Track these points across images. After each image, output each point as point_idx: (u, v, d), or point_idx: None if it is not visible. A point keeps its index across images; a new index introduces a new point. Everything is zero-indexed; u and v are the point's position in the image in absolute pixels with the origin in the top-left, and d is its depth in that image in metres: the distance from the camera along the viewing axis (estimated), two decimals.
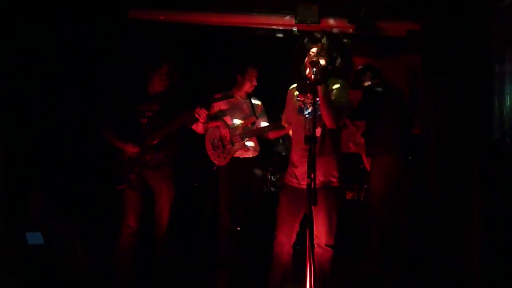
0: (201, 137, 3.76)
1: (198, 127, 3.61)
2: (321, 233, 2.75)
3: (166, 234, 3.43)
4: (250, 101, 3.90)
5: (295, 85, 2.90)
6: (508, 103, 3.96)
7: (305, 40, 2.83)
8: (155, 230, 3.43)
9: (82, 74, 3.60)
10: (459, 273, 3.59)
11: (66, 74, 3.56)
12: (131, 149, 3.25)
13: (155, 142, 3.28)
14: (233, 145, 3.74)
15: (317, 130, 2.64)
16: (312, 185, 2.32)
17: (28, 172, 3.47)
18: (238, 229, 3.97)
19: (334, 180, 2.82)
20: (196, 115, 3.30)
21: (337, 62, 2.75)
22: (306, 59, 2.71)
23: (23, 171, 3.45)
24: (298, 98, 2.80)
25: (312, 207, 2.34)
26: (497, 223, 3.35)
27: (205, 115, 3.34)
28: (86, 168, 3.62)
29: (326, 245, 2.79)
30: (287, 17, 4.04)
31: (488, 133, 3.58)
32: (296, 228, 2.89)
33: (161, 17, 4.01)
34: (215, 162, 3.78)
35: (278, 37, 4.46)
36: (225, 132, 3.71)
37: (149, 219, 3.39)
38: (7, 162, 3.36)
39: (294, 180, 2.84)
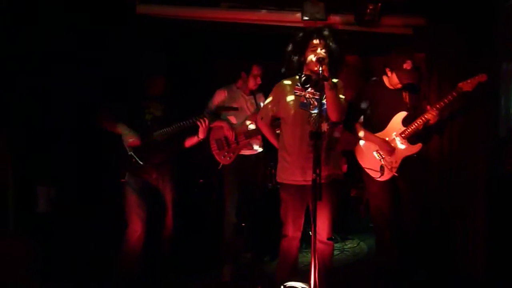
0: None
1: (187, 141, 3.51)
2: (322, 229, 2.77)
3: (172, 232, 3.46)
4: (255, 98, 3.92)
5: (287, 79, 2.91)
6: None
7: (303, 35, 2.82)
8: (162, 230, 3.46)
9: (88, 69, 3.62)
10: (463, 268, 3.61)
11: (72, 69, 3.58)
12: (133, 141, 3.25)
13: (159, 140, 3.31)
14: (238, 144, 3.76)
15: (322, 125, 2.66)
16: (318, 180, 2.35)
17: (36, 167, 3.50)
18: (243, 225, 3.99)
19: (339, 174, 2.85)
20: (199, 123, 3.32)
21: (334, 58, 2.76)
22: (312, 55, 2.71)
23: (31, 165, 3.49)
24: (297, 93, 2.81)
25: (313, 203, 2.37)
26: (502, 219, 3.35)
27: (205, 127, 3.33)
28: (93, 163, 3.65)
29: (328, 238, 2.83)
30: (295, 14, 4.05)
31: (494, 131, 3.57)
32: (302, 222, 2.92)
33: (168, 13, 4.02)
34: (220, 161, 3.79)
35: (284, 34, 4.46)
36: (229, 133, 3.73)
37: (152, 218, 3.42)
38: (15, 156, 3.38)
39: (297, 177, 2.82)
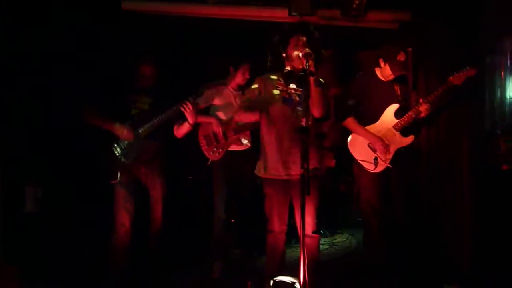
0: (194, 131, 3.75)
1: (179, 130, 3.42)
2: (307, 223, 2.76)
3: (161, 228, 3.46)
4: (243, 93, 3.91)
5: (272, 74, 2.89)
6: (499, 95, 3.99)
7: (285, 32, 2.81)
8: (150, 225, 3.45)
9: (74, 66, 3.59)
10: (449, 263, 3.64)
11: (57, 67, 3.54)
12: (126, 134, 3.21)
13: (145, 134, 3.28)
14: (226, 140, 3.76)
15: (303, 120, 2.65)
16: (306, 175, 2.36)
17: (23, 167, 3.47)
18: (232, 221, 4.00)
19: (320, 169, 2.87)
20: (182, 108, 3.20)
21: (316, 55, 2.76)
22: (297, 51, 2.70)
23: (18, 165, 3.45)
24: (279, 88, 2.81)
25: (301, 197, 2.38)
26: (488, 212, 3.39)
27: (192, 110, 3.22)
28: (80, 163, 3.62)
29: (313, 232, 2.85)
30: (281, 10, 4.05)
31: (480, 124, 3.61)
32: (287, 216, 2.94)
33: (154, 9, 4.00)
34: (209, 157, 3.79)
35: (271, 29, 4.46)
36: (218, 129, 3.73)
37: (141, 213, 3.41)
38: (2, 156, 3.35)
39: (280, 172, 2.82)
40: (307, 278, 2.37)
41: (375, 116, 3.47)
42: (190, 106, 3.21)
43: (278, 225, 2.91)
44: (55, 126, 3.59)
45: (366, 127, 3.45)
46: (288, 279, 2.70)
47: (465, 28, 3.59)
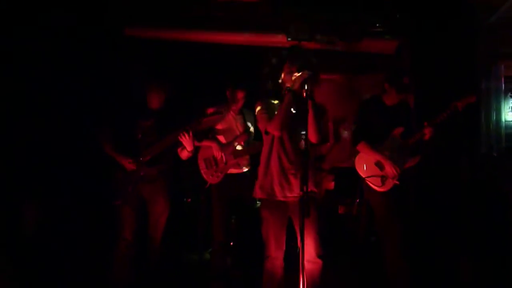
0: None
1: (182, 153, 3.35)
2: (310, 246, 2.73)
3: (160, 247, 3.45)
4: (243, 116, 3.97)
5: (269, 99, 2.87)
6: (494, 118, 4.05)
7: (279, 58, 2.84)
8: (149, 243, 3.45)
9: (78, 88, 3.65)
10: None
11: (62, 88, 3.61)
12: (130, 166, 3.27)
13: (147, 159, 3.31)
14: (226, 164, 3.79)
15: (301, 143, 2.68)
16: (305, 197, 2.37)
17: (21, 185, 3.49)
18: (232, 244, 3.99)
19: (315, 191, 2.87)
20: (180, 138, 3.18)
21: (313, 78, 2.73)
22: (298, 74, 2.72)
23: (16, 183, 3.47)
24: None
25: (300, 220, 2.38)
26: (484, 229, 3.40)
27: (189, 139, 3.20)
28: (80, 179, 3.66)
29: (318, 256, 2.77)
30: (280, 36, 4.13)
31: (475, 147, 3.65)
32: (284, 240, 2.91)
33: (156, 35, 4.09)
34: (208, 180, 3.79)
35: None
36: (218, 153, 3.76)
37: (143, 232, 3.42)
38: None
39: (276, 193, 2.80)
40: None
41: (381, 138, 3.50)
42: (187, 135, 3.20)
43: (274, 250, 2.84)
44: (59, 144, 3.64)
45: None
46: None
47: (460, 54, 3.66)
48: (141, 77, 3.50)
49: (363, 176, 3.44)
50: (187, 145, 3.23)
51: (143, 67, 3.93)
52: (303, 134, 2.64)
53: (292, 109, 2.77)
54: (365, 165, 3.46)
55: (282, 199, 2.78)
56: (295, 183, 2.73)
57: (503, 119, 4.22)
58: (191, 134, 3.20)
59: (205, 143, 3.75)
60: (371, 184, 3.40)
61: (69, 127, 3.58)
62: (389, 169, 3.37)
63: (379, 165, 3.41)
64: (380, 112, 3.48)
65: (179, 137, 3.18)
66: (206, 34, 4.15)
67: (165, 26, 4.09)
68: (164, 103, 3.40)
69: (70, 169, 3.65)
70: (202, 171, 3.79)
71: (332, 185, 4.75)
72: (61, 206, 3.59)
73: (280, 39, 4.12)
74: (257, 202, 4.57)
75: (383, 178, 3.37)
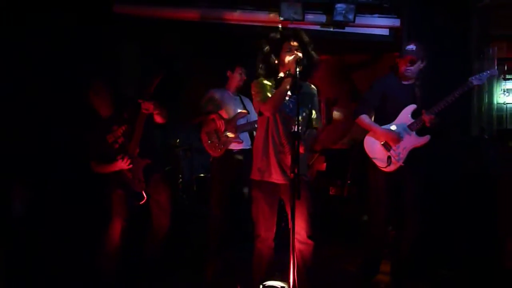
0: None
1: (157, 118, 3.29)
2: (302, 228, 2.75)
3: (166, 236, 3.44)
4: (240, 97, 3.98)
5: (266, 79, 2.84)
6: (486, 100, 4.06)
7: (279, 37, 2.81)
8: (155, 231, 3.41)
9: (64, 72, 3.58)
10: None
11: (46, 73, 3.54)
12: (125, 164, 3.19)
13: (137, 151, 3.25)
14: (227, 137, 3.79)
15: (295, 126, 2.65)
16: (296, 179, 2.37)
17: (11, 168, 3.45)
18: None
19: (307, 174, 2.89)
20: (144, 110, 3.14)
21: (309, 60, 2.77)
22: (289, 55, 2.71)
23: (6, 167, 3.43)
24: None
25: (291, 201, 2.39)
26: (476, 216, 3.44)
27: (151, 106, 3.13)
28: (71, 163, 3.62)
29: (308, 237, 2.78)
30: (272, 14, 4.07)
31: (467, 129, 3.66)
32: (275, 221, 2.92)
33: (146, 12, 4.01)
34: (211, 153, 3.83)
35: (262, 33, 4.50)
36: (220, 124, 3.75)
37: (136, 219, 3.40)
38: None
39: (270, 175, 2.80)
40: (297, 284, 2.37)
41: (393, 115, 3.49)
42: (146, 104, 3.12)
43: (264, 230, 2.88)
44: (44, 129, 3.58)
45: (382, 127, 3.47)
46: (278, 284, 2.70)
47: (454, 35, 3.64)
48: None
49: (370, 156, 3.45)
50: (151, 110, 3.16)
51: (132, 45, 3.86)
52: (295, 117, 2.62)
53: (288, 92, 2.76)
54: (372, 144, 3.46)
55: (275, 181, 2.78)
56: (287, 165, 2.73)
57: (495, 102, 4.22)
58: (147, 102, 3.12)
59: (207, 116, 3.77)
60: (377, 162, 3.40)
61: (58, 107, 3.52)
62: (393, 141, 3.37)
63: (386, 145, 3.41)
64: (394, 89, 3.45)
65: (143, 111, 3.14)
66: (197, 12, 4.07)
67: (156, 3, 4.01)
68: (113, 104, 3.27)
69: (62, 152, 3.60)
70: (204, 144, 3.86)
71: (324, 166, 4.77)
72: (52, 189, 3.56)
73: (272, 18, 4.07)
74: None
75: (389, 159, 3.37)
